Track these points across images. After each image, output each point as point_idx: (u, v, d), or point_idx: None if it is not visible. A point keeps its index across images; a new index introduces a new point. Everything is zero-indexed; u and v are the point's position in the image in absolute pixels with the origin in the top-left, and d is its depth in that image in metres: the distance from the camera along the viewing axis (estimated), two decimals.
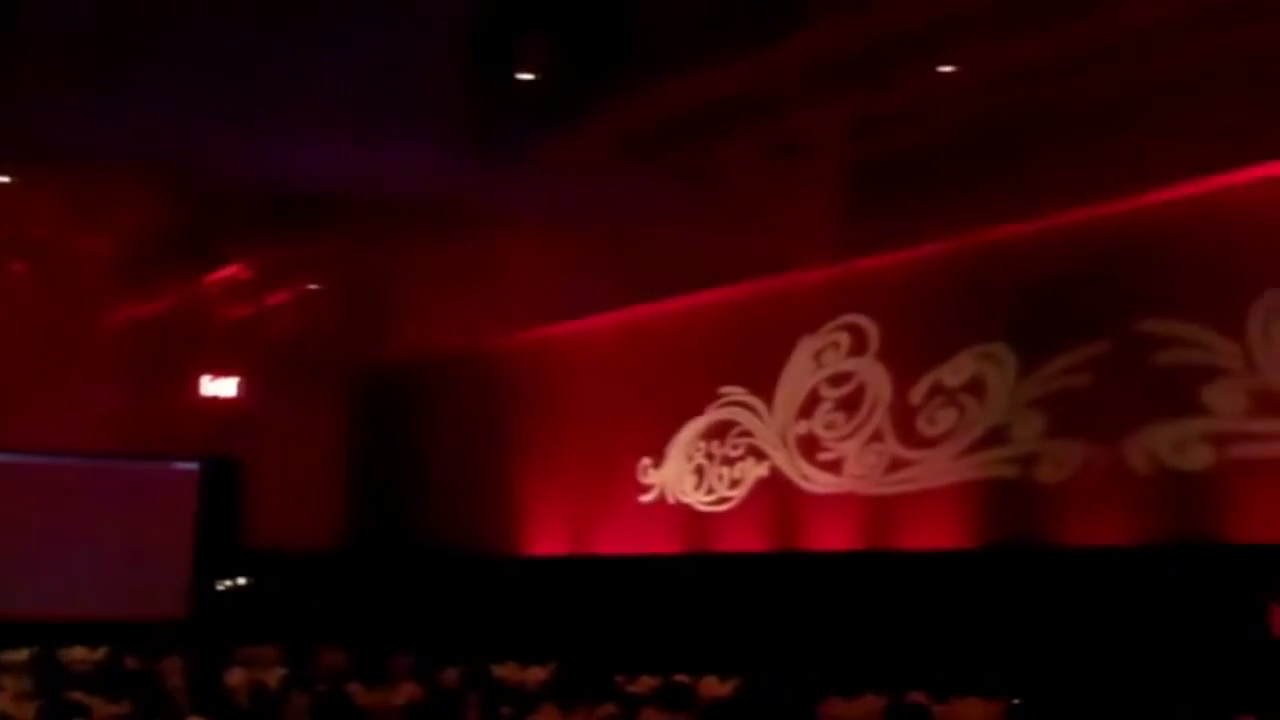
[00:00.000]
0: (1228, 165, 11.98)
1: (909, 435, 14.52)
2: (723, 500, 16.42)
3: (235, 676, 14.02)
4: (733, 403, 16.46)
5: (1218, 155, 11.80)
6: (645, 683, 12.98)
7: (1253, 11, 10.10)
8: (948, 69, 11.53)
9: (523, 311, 17.75)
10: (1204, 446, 12.20)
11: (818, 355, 15.64)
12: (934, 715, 10.22)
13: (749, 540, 15.94)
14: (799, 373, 15.81)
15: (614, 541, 17.51)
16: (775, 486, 15.85)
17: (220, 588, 20.47)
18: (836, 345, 15.45)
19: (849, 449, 15.07)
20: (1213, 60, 10.77)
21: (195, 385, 20.26)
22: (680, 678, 12.92)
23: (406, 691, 12.53)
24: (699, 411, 16.83)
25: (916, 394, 14.52)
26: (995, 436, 13.77)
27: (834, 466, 15.22)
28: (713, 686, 13.02)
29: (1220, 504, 12.08)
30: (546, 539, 18.44)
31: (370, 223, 14.56)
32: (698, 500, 16.71)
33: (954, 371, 14.19)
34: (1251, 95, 10.89)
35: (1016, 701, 10.86)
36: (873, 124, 12.57)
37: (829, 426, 15.35)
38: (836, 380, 15.39)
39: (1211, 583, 11.78)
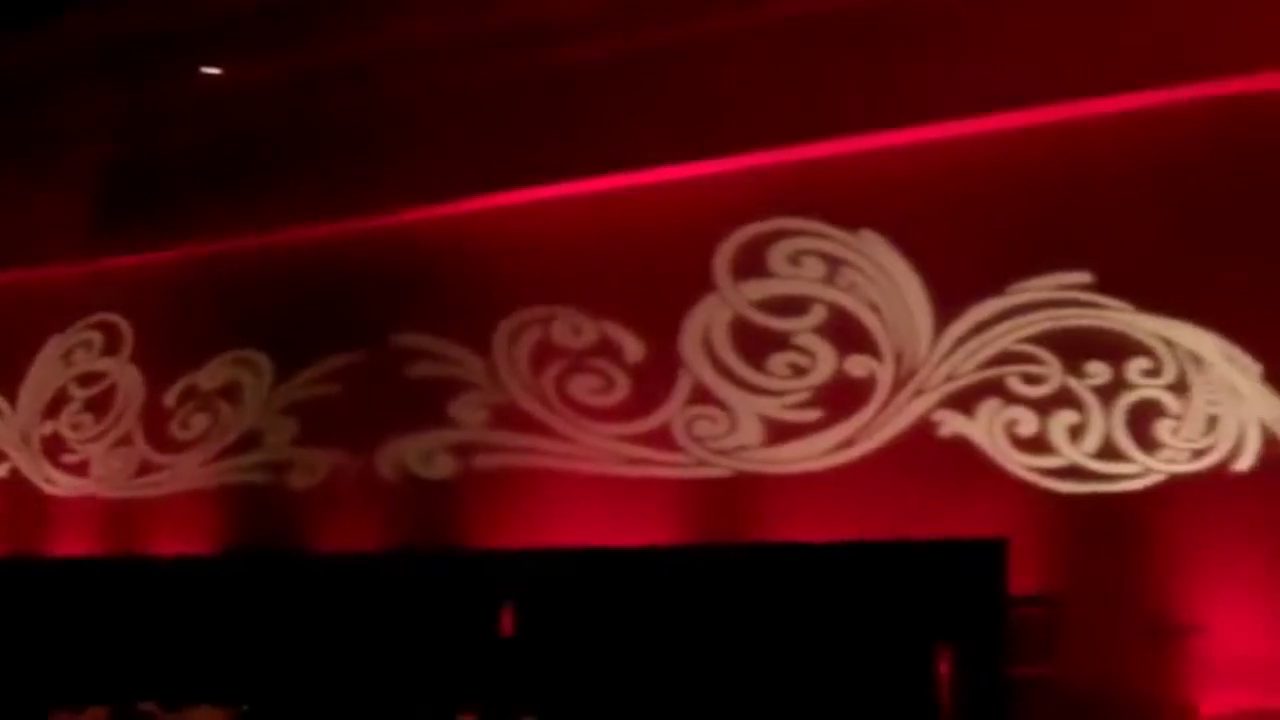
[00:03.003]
0: (482, 189, 12.57)
1: (161, 439, 14.20)
2: None
3: None
4: None
5: (473, 179, 12.39)
6: None
7: (502, 41, 10.75)
8: (213, 71, 11.50)
9: None
10: (448, 457, 12.74)
11: (68, 354, 14.98)
12: None
13: None
14: (46, 371, 15.05)
15: None
16: (15, 488, 15.01)
17: None
18: (88, 344, 14.86)
19: (96, 451, 14.55)
20: (473, 86, 11.36)
21: None
22: None
23: None
24: None
25: (170, 397, 14.24)
26: (248, 442, 13.74)
27: (79, 469, 14.63)
28: None
29: (462, 511, 12.64)
30: None
31: None
32: None
33: (210, 376, 14.01)
34: (510, 122, 11.55)
35: (245, 708, 10.89)
36: (133, 120, 12.32)
37: (76, 428, 14.75)
38: (87, 380, 14.79)
39: (452, 586, 12.27)
